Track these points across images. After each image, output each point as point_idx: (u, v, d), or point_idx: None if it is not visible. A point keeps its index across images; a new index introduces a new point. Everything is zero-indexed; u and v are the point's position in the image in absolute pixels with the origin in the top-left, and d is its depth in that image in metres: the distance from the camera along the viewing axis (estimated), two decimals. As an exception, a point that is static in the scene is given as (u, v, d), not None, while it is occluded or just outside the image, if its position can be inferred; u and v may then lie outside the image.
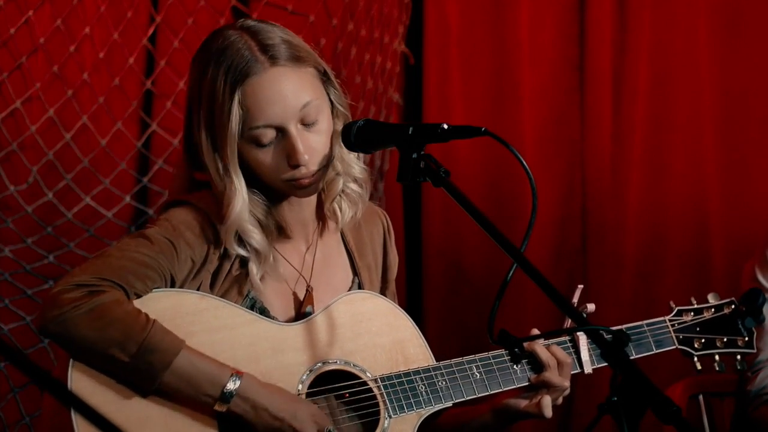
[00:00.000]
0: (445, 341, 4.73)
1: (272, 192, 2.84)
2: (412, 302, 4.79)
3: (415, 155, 2.61)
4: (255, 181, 2.81)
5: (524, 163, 2.55)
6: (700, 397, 3.92)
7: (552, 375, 2.91)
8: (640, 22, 4.91)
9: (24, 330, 4.24)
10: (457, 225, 4.81)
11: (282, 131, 2.76)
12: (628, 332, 3.05)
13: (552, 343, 2.96)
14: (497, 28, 4.90)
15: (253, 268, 2.80)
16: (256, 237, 2.80)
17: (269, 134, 2.76)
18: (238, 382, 2.65)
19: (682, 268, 4.86)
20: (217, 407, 2.65)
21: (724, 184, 4.88)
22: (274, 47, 2.77)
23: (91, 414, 1.88)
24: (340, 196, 2.90)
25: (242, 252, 2.79)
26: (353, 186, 2.91)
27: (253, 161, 2.78)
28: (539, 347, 2.93)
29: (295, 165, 2.76)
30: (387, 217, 3.09)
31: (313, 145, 2.77)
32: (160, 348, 2.61)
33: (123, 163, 4.37)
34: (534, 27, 4.90)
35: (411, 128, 2.66)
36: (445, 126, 2.62)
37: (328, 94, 2.84)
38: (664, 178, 4.89)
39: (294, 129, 2.76)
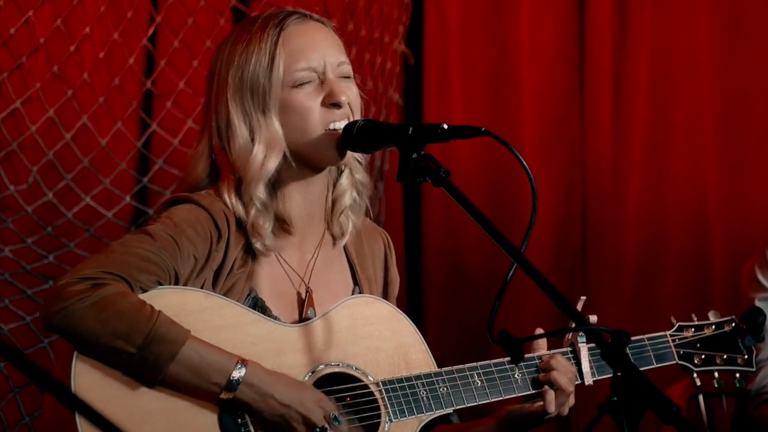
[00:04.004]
0: (445, 341, 4.73)
1: (297, 171, 2.85)
2: (412, 302, 4.79)
3: (415, 155, 2.62)
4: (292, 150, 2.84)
5: (524, 163, 2.55)
6: (700, 397, 3.92)
7: (559, 375, 2.91)
8: (640, 22, 4.91)
9: (24, 330, 4.24)
10: (457, 225, 4.81)
11: (322, 77, 2.84)
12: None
13: (556, 353, 2.96)
14: (497, 28, 4.91)
15: (259, 218, 2.81)
16: (262, 192, 2.81)
17: (310, 76, 2.83)
18: (243, 370, 2.65)
19: (682, 268, 4.86)
20: (223, 395, 2.65)
21: (724, 184, 4.88)
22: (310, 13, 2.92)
23: (91, 414, 1.88)
24: (346, 209, 2.92)
25: (259, 203, 2.81)
26: (355, 195, 2.94)
27: (295, 107, 2.82)
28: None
29: (335, 104, 2.81)
30: (388, 236, 3.11)
31: (352, 93, 2.87)
32: (166, 339, 2.61)
33: (123, 163, 4.37)
34: (534, 27, 4.90)
35: (411, 128, 2.67)
36: (445, 126, 2.63)
37: None
38: (664, 178, 4.89)
39: (332, 75, 2.84)
